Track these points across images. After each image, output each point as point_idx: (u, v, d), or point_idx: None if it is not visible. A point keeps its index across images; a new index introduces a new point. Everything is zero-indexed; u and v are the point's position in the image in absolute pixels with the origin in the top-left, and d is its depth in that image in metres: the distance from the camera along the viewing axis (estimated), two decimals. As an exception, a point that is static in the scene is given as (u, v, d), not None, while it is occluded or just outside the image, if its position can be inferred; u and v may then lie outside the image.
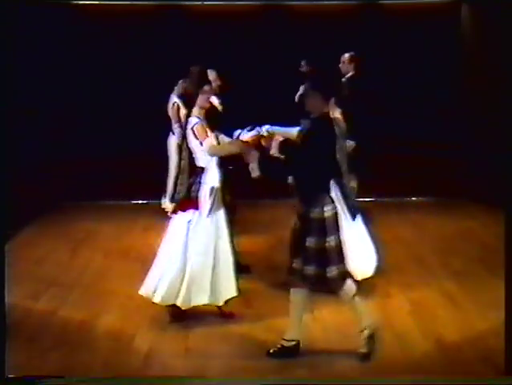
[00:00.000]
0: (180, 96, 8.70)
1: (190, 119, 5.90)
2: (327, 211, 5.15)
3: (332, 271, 5.15)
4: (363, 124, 8.30)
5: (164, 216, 8.84)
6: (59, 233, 8.53)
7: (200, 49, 12.58)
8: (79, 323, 5.84)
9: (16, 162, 8.17)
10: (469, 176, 10.46)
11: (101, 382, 4.91)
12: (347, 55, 8.43)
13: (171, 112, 8.81)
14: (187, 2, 13.26)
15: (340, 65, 8.48)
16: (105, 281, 6.86)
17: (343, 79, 8.47)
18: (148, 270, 6.02)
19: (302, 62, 9.33)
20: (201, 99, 5.90)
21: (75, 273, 7.11)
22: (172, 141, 8.90)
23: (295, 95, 11.10)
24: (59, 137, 12.21)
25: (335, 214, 5.22)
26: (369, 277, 6.43)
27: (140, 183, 10.37)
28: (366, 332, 5.23)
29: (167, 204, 8.95)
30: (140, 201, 9.88)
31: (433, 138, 11.95)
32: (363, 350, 5.21)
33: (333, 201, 5.26)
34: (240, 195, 8.54)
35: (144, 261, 7.36)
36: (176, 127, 8.72)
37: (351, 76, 8.39)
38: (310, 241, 5.15)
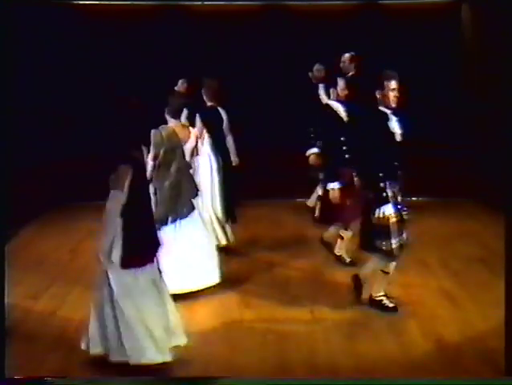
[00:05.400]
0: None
1: None
2: None
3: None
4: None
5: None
6: (59, 233, 8.53)
7: (200, 49, 12.61)
8: (78, 323, 5.82)
9: (16, 162, 8.16)
10: (469, 175, 10.46)
11: (101, 383, 4.91)
12: (347, 55, 8.46)
13: None
14: (187, 2, 13.26)
15: (341, 65, 8.51)
16: (105, 281, 6.85)
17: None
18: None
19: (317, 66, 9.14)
20: None
21: (75, 273, 7.10)
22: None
23: (293, 95, 11.07)
24: (59, 137, 12.21)
25: None
26: None
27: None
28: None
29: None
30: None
31: (433, 138, 11.95)
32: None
33: None
34: (242, 195, 8.59)
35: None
36: None
37: (351, 76, 8.41)
38: None
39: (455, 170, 11.02)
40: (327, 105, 7.21)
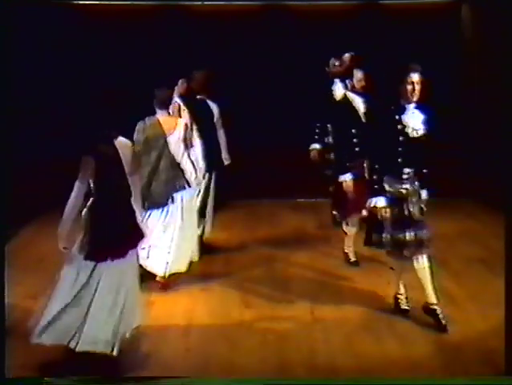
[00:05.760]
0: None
1: None
2: None
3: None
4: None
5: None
6: (59, 233, 8.51)
7: (200, 49, 12.59)
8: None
9: (16, 162, 8.15)
10: (469, 175, 10.46)
11: (101, 383, 4.91)
12: (347, 55, 8.43)
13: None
14: (187, 2, 13.25)
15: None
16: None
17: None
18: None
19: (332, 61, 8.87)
20: None
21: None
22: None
23: (294, 94, 11.07)
24: (59, 137, 12.20)
25: None
26: None
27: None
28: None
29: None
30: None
31: (433, 138, 11.94)
32: (444, 322, 5.57)
33: None
34: (241, 195, 8.57)
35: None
36: None
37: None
38: None
39: (455, 170, 11.02)
40: (345, 96, 7.11)
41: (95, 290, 5.00)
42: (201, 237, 7.42)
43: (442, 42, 12.66)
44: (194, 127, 7.13)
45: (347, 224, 7.18)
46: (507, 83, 7.98)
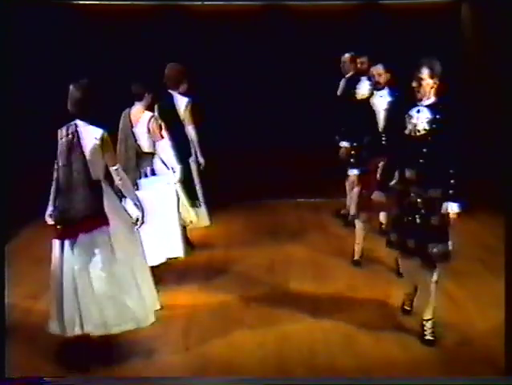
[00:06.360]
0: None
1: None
2: None
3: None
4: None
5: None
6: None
7: (200, 49, 12.61)
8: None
9: (16, 162, 8.16)
10: (469, 176, 10.45)
11: (101, 383, 4.91)
12: (347, 55, 8.44)
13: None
14: (187, 2, 13.26)
15: (341, 65, 8.50)
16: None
17: (344, 79, 8.50)
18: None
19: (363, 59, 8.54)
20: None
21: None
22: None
23: (294, 94, 11.03)
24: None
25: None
26: None
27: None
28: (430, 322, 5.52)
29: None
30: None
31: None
32: (429, 337, 5.45)
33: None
34: (241, 195, 8.55)
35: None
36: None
37: (351, 76, 8.41)
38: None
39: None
40: (366, 96, 7.07)
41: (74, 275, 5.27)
42: (185, 229, 7.18)
43: (442, 42, 12.67)
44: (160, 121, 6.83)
45: (358, 217, 7.17)
46: (507, 83, 7.99)
